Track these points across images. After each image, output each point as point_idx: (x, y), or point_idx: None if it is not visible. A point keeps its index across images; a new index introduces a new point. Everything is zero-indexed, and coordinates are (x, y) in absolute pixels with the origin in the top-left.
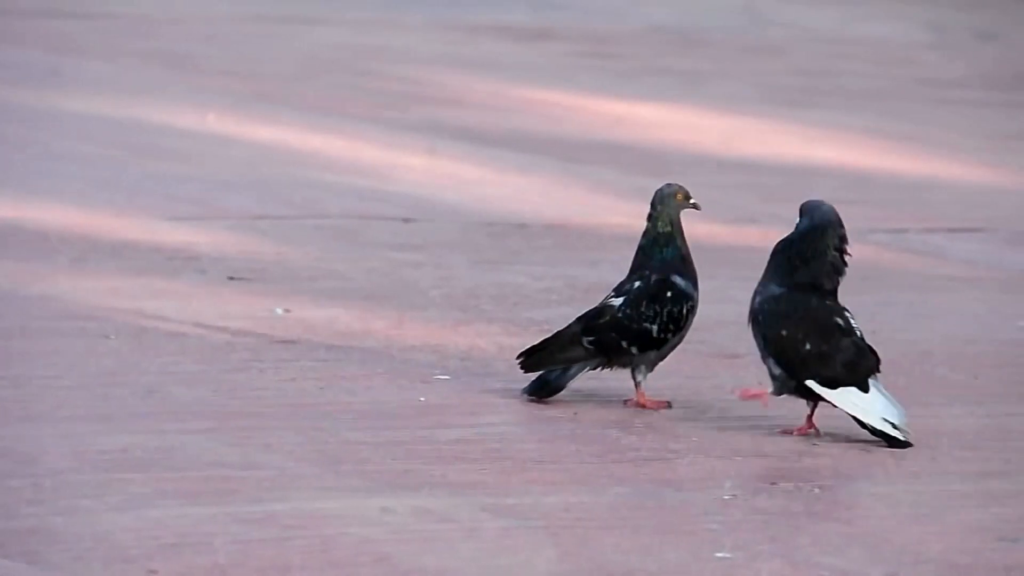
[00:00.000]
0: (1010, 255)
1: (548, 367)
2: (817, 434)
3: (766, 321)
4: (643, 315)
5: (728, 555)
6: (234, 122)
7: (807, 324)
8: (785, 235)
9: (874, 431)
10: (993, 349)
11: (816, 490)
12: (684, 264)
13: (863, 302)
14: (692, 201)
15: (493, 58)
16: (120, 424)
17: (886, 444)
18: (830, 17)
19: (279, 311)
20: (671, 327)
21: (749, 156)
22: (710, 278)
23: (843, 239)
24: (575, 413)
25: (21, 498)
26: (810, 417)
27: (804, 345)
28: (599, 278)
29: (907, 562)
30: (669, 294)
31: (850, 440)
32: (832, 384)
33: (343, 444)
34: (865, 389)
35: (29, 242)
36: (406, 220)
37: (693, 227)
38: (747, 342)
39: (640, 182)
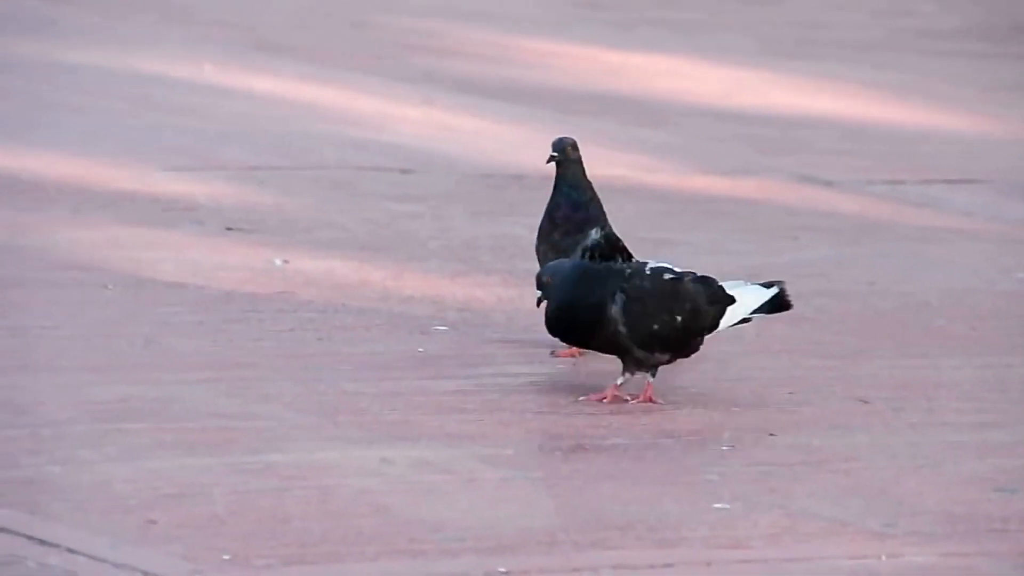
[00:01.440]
0: (1008, 207)
1: None
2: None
3: (635, 328)
4: None
5: (726, 506)
6: (230, 73)
7: (663, 303)
8: None
9: (763, 309)
10: (990, 300)
11: (814, 442)
12: None
13: (860, 253)
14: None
15: (490, 9)
16: (118, 374)
17: (780, 309)
18: None
19: (277, 262)
20: None
21: (746, 107)
22: (707, 230)
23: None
24: (574, 363)
25: (20, 448)
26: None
27: (675, 319)
28: None
29: (905, 512)
30: None
31: (846, 393)
32: (715, 325)
33: (341, 395)
34: (732, 300)
35: (26, 193)
36: (404, 171)
37: (690, 179)
38: None
39: (637, 133)
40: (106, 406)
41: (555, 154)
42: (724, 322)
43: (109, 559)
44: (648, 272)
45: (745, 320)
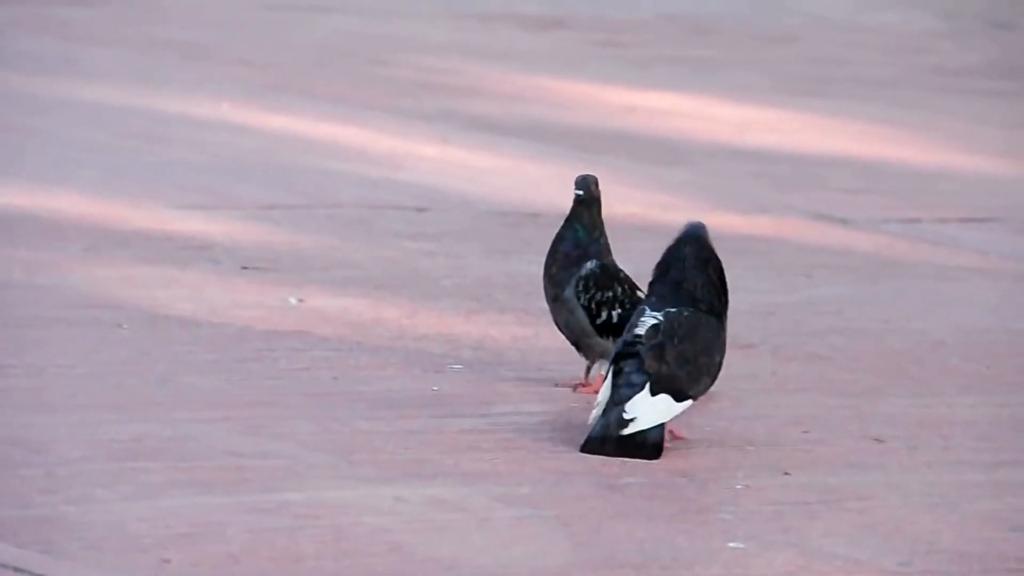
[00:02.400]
0: (1023, 245)
1: None
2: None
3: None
4: None
5: (741, 545)
6: (248, 111)
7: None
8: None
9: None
10: (1006, 339)
11: (829, 480)
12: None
13: (876, 291)
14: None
15: (506, 47)
16: (133, 413)
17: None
18: (843, 5)
19: (292, 300)
20: None
21: (762, 145)
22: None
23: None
24: (588, 401)
25: (34, 487)
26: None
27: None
28: None
29: (920, 552)
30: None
31: (861, 432)
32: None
33: (356, 433)
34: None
35: (42, 231)
36: (419, 209)
37: (706, 216)
38: (760, 332)
39: (653, 171)
40: (121, 445)
41: (580, 192)
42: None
43: None
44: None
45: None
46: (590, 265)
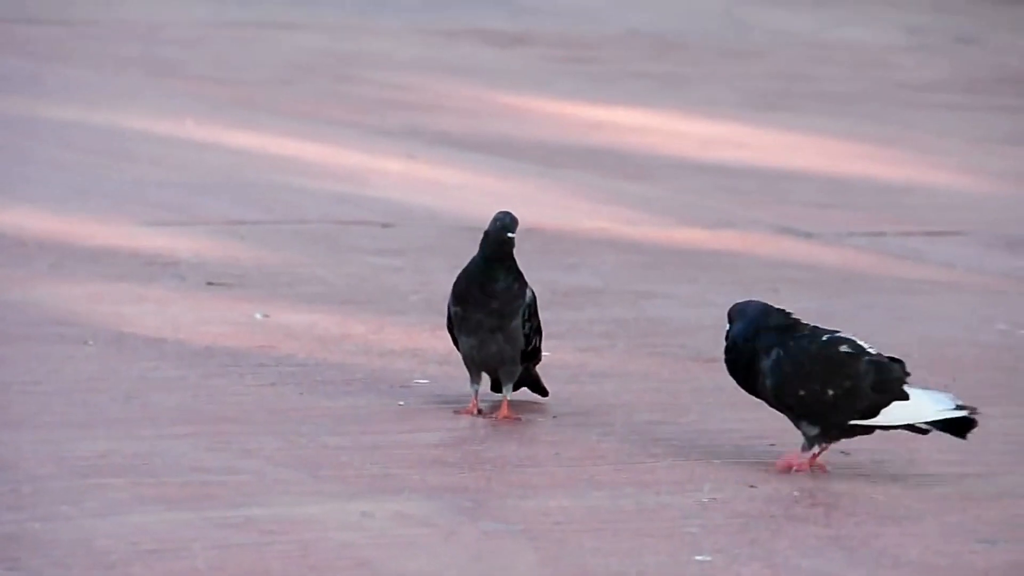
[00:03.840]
0: (989, 258)
1: None
2: (822, 471)
3: (782, 387)
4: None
5: (708, 558)
6: (213, 128)
7: (816, 370)
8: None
9: (939, 425)
10: (972, 352)
11: (795, 493)
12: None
13: (841, 305)
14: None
15: (471, 63)
16: (99, 430)
17: (957, 433)
18: (808, 21)
19: (258, 316)
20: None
21: (728, 160)
22: (689, 282)
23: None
24: (554, 417)
25: (0, 504)
26: (816, 456)
27: (826, 393)
28: (578, 282)
29: (886, 564)
30: None
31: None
32: (872, 412)
33: (322, 449)
34: (905, 396)
35: (7, 248)
36: (385, 225)
37: (671, 231)
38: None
39: (619, 186)
40: (87, 461)
41: (512, 236)
42: (888, 417)
43: None
44: (824, 339)
45: (920, 430)
46: (530, 294)
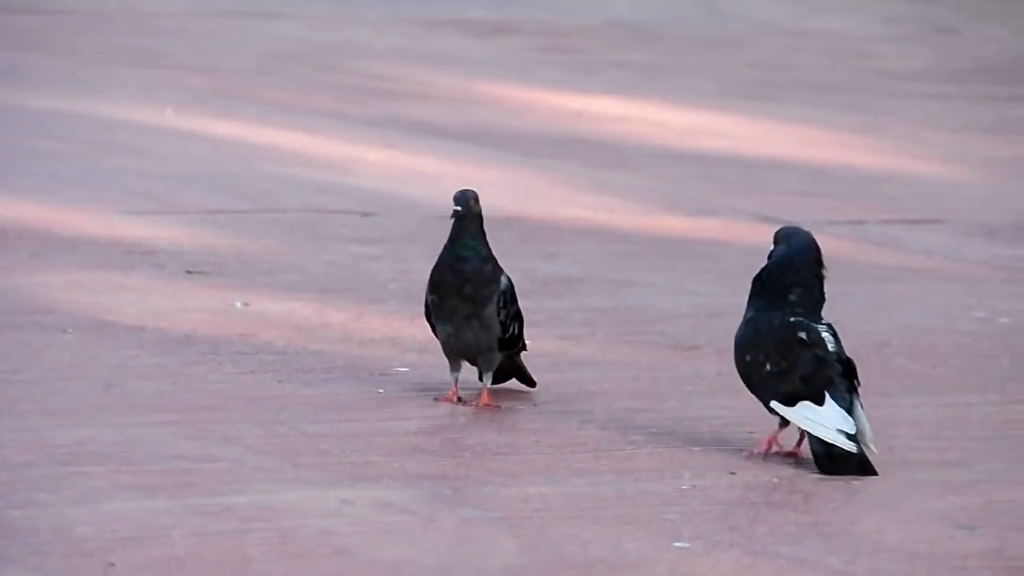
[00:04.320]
0: (968, 246)
1: None
2: (781, 453)
3: (735, 350)
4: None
5: (687, 545)
6: (192, 117)
7: (768, 344)
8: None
9: (824, 445)
10: (951, 339)
11: (775, 480)
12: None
13: None
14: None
15: (452, 52)
16: (78, 418)
17: (835, 467)
18: (787, 10)
19: (238, 304)
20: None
21: (708, 149)
22: (668, 270)
23: (820, 263)
24: (534, 404)
25: None
26: (773, 438)
27: (764, 366)
28: (557, 271)
29: (865, 551)
30: None
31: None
32: (791, 400)
33: (302, 436)
34: (820, 402)
35: None
36: (365, 214)
37: (651, 220)
38: (705, 333)
39: (599, 175)
40: (65, 449)
41: (459, 208)
42: (795, 414)
43: None
44: (791, 320)
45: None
46: (505, 280)
